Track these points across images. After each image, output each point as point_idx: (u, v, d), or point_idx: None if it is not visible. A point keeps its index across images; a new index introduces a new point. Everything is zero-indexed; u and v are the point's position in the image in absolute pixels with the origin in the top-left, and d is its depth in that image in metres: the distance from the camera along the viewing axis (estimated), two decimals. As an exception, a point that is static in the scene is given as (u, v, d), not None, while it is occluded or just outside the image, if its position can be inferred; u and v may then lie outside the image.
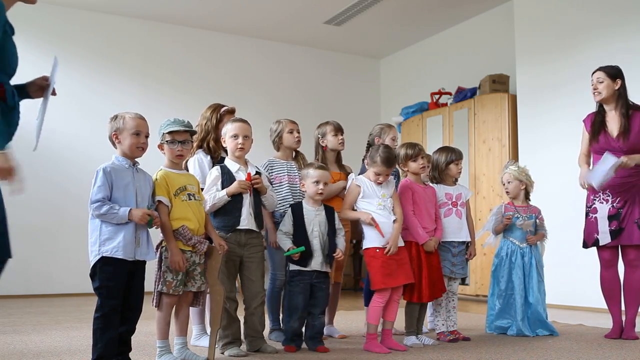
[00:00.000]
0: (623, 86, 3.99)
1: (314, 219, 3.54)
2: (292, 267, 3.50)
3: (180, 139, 3.07)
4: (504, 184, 4.37)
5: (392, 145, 4.05)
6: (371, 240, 3.52)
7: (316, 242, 3.50)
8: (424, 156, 3.84)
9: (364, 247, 3.58)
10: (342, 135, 4.11)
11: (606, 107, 4.04)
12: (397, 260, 3.50)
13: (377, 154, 3.56)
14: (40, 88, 2.66)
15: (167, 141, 3.06)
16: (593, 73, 4.06)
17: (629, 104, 4.00)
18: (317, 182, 3.54)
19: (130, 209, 2.74)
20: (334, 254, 3.53)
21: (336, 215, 3.66)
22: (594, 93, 4.02)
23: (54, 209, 7.14)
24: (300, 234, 3.50)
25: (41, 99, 2.63)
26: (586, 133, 4.11)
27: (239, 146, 3.39)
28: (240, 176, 3.38)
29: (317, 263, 3.48)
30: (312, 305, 3.51)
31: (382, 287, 3.47)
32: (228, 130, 3.44)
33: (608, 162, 3.79)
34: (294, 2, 7.42)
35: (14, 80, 2.50)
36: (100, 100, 7.47)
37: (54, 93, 2.66)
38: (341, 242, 3.61)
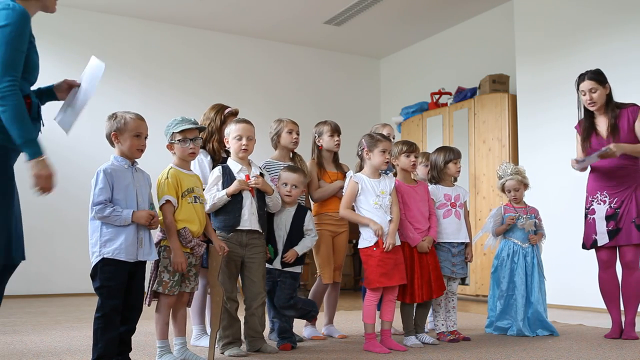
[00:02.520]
0: (610, 88, 4.01)
1: (282, 219, 3.59)
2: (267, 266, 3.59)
3: (191, 136, 3.08)
4: (509, 191, 4.31)
5: (388, 142, 4.07)
6: (367, 239, 3.53)
7: (280, 242, 3.57)
8: (418, 155, 3.85)
9: (359, 247, 3.58)
10: (338, 136, 4.10)
11: (596, 113, 4.05)
12: (394, 259, 3.50)
13: (373, 138, 3.60)
14: (68, 88, 2.85)
15: (178, 140, 3.05)
16: (580, 82, 4.01)
17: (615, 104, 4.01)
18: (285, 184, 3.59)
19: (133, 211, 2.74)
20: (284, 256, 3.54)
21: (308, 216, 3.67)
22: (589, 104, 3.99)
23: (54, 209, 7.13)
24: (268, 232, 3.56)
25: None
26: (579, 138, 4.14)
27: (243, 147, 3.40)
28: (242, 177, 3.38)
29: (278, 262, 3.56)
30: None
31: (378, 286, 3.48)
32: (232, 131, 3.43)
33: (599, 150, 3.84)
34: (294, 3, 7.42)
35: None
36: (101, 100, 7.42)
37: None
38: (304, 243, 3.60)
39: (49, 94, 2.82)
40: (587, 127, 4.06)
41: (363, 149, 3.61)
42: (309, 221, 3.68)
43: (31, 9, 2.57)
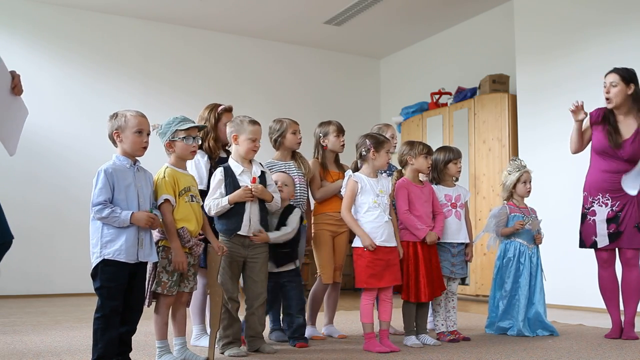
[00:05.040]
0: (636, 91, 3.86)
1: (272, 219, 3.59)
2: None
3: (194, 134, 3.09)
4: (524, 183, 4.21)
5: (391, 142, 4.08)
6: (358, 241, 3.53)
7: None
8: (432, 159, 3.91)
9: (353, 245, 3.58)
10: (343, 136, 4.12)
11: (616, 110, 3.95)
12: (385, 260, 3.50)
13: (378, 139, 3.62)
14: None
15: (182, 138, 3.05)
16: (607, 74, 3.92)
17: None
18: (274, 183, 3.60)
19: (133, 213, 2.73)
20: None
21: (294, 213, 3.67)
22: (606, 99, 3.88)
23: (54, 209, 7.14)
24: None
25: None
26: (589, 126, 4.02)
27: (254, 149, 3.44)
28: (244, 179, 3.39)
29: (272, 266, 3.59)
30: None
31: (365, 287, 3.49)
32: (246, 131, 3.41)
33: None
34: (294, 3, 7.42)
35: None
36: (101, 100, 7.46)
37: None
38: (276, 234, 3.55)
39: None
40: (612, 123, 3.90)
41: (369, 149, 3.61)
42: (293, 217, 3.65)
43: None
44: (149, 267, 2.95)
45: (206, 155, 3.72)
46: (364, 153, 3.63)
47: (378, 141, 3.61)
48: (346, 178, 3.64)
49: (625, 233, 3.86)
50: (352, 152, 3.81)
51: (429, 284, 3.66)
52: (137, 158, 2.92)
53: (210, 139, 3.75)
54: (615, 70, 3.90)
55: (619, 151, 3.87)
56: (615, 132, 3.89)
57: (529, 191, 4.27)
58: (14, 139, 2.53)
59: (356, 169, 3.72)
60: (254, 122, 3.46)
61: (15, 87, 2.61)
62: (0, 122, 2.50)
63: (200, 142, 3.24)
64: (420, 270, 3.66)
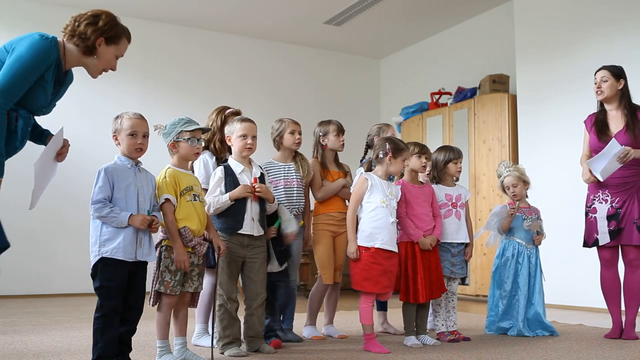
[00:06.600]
0: (626, 86, 4.01)
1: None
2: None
3: (198, 136, 3.10)
4: (508, 188, 4.29)
5: (409, 152, 4.07)
6: (361, 237, 3.52)
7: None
8: (429, 158, 3.87)
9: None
10: (343, 136, 4.12)
11: (607, 107, 4.05)
12: (383, 266, 3.49)
13: (399, 145, 3.57)
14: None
15: (187, 139, 3.05)
16: (597, 72, 4.06)
17: (632, 103, 4.01)
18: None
19: (131, 215, 2.73)
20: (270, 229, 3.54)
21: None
22: (596, 92, 4.02)
23: (54, 209, 7.12)
24: None
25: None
26: (587, 134, 4.12)
27: (248, 146, 3.40)
28: (244, 178, 3.38)
29: (274, 266, 3.57)
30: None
31: (360, 289, 3.49)
32: (236, 129, 3.42)
33: (613, 149, 3.79)
34: (294, 3, 7.42)
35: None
36: (101, 99, 7.46)
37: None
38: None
39: (40, 137, 2.81)
40: (599, 121, 4.03)
41: (387, 153, 3.57)
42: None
43: (73, 59, 2.66)
44: (153, 267, 2.96)
45: (214, 157, 3.73)
46: (381, 156, 3.59)
47: (398, 148, 3.58)
48: (358, 175, 3.63)
49: (625, 229, 3.87)
50: (352, 152, 3.80)
51: (427, 284, 3.66)
52: (139, 159, 2.92)
53: (217, 140, 3.76)
54: (605, 67, 4.04)
55: (620, 141, 3.89)
56: (604, 126, 3.99)
57: (515, 195, 4.26)
58: (37, 196, 2.70)
59: (369, 169, 3.70)
60: (242, 120, 3.46)
61: (61, 155, 2.78)
62: (38, 181, 2.65)
63: (203, 143, 3.24)
64: (418, 271, 3.65)
